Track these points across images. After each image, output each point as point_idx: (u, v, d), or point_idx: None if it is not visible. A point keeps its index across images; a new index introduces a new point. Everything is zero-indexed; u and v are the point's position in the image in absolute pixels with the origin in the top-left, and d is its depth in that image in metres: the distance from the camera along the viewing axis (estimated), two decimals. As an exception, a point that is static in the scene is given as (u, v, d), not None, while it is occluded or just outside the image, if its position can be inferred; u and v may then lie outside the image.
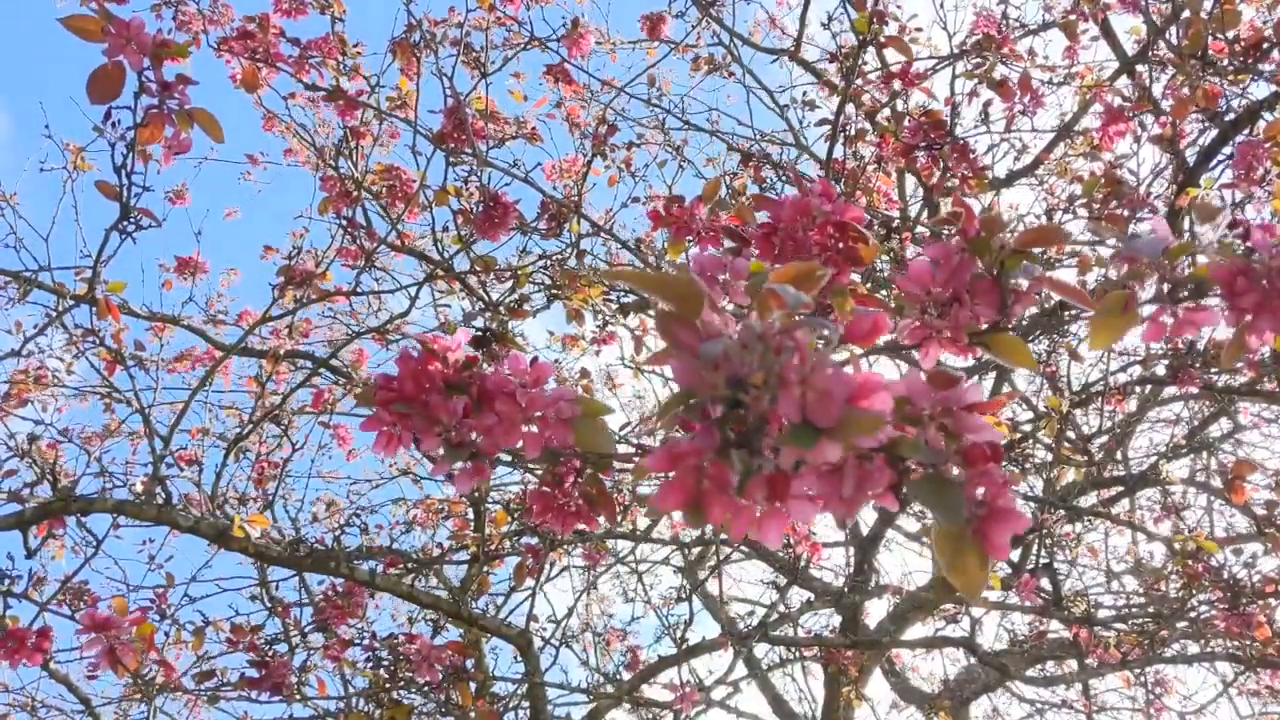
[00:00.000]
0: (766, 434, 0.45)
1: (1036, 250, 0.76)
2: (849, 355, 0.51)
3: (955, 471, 0.49)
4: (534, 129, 2.31)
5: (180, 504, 1.97)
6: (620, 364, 2.98)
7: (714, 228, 1.42)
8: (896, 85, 2.14)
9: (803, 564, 2.26)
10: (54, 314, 2.06)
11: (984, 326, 0.68)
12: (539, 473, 0.81)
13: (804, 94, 2.67)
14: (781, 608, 2.58)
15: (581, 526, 0.85)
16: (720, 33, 2.74)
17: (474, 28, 2.03)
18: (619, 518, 2.68)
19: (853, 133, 2.36)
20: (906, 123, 2.02)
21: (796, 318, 0.48)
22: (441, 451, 0.72)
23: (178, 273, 2.51)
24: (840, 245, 0.88)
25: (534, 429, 0.67)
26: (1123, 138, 2.17)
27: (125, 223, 1.29)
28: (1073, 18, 2.62)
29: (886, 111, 2.54)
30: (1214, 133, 2.19)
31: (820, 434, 0.44)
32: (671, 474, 0.46)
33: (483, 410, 0.69)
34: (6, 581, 1.41)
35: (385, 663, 2.04)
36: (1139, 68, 2.58)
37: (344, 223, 2.14)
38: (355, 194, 2.13)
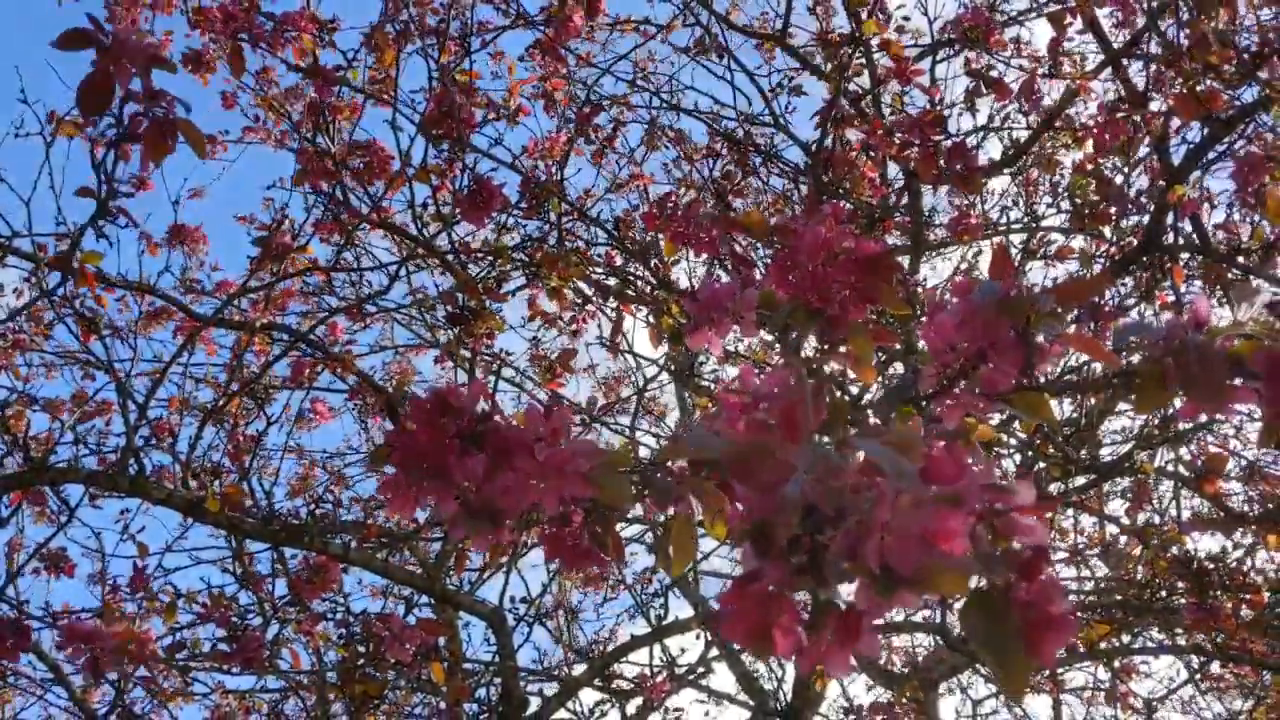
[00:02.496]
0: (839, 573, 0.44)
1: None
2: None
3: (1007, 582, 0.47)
4: (519, 107, 2.30)
5: (154, 475, 1.97)
6: (599, 344, 2.97)
7: (710, 235, 1.42)
8: (892, 81, 2.14)
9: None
10: (37, 284, 2.05)
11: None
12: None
13: (789, 79, 2.65)
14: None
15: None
16: (701, 14, 2.73)
17: (460, 7, 2.01)
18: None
19: (840, 118, 2.36)
20: (900, 116, 2.03)
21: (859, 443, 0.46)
22: (460, 516, 0.71)
23: (169, 244, 2.49)
24: (858, 283, 0.87)
25: (551, 484, 0.66)
26: (1118, 139, 2.17)
27: (102, 220, 1.28)
28: (1060, 8, 2.62)
29: (873, 97, 2.54)
30: (1203, 131, 2.19)
31: (900, 583, 0.43)
32: (739, 607, 0.46)
33: (500, 468, 0.67)
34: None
35: (358, 638, 2.05)
36: (1124, 61, 2.58)
37: (323, 197, 2.12)
38: (334, 169, 2.12)
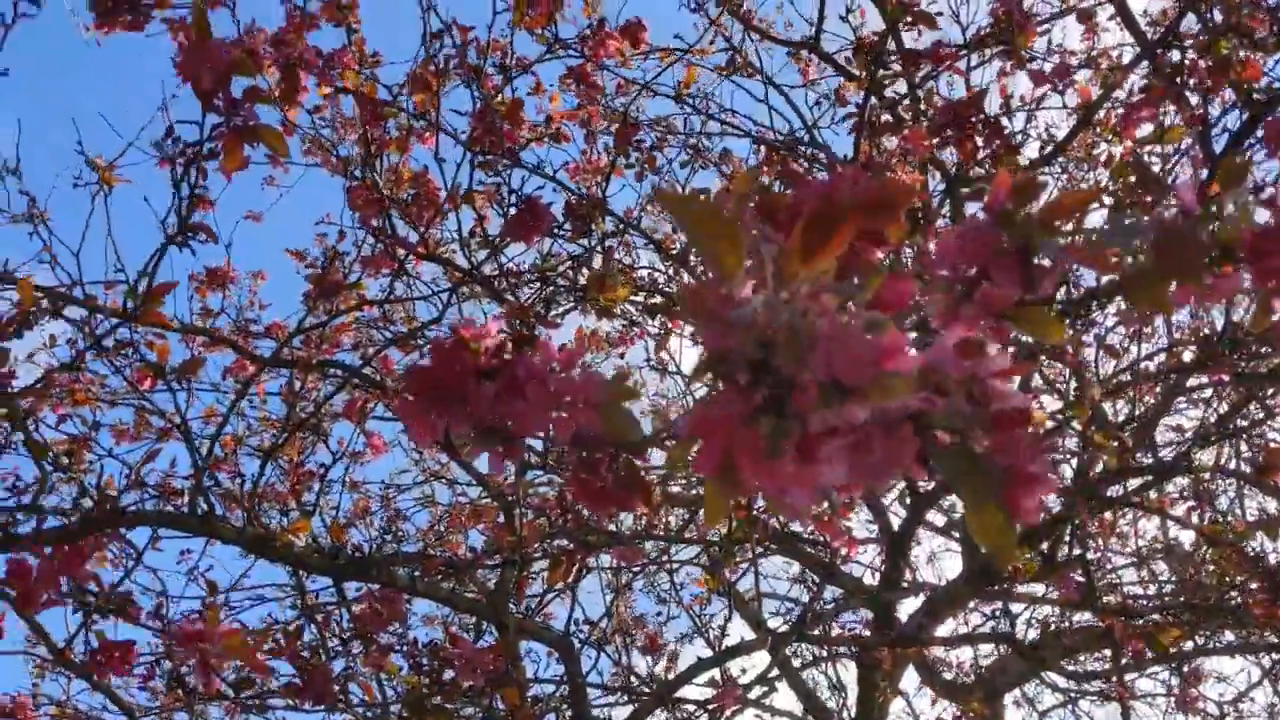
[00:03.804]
0: (795, 397, 0.46)
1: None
2: (877, 320, 0.51)
3: (984, 441, 0.49)
4: (560, 130, 2.31)
5: (223, 514, 1.98)
6: (646, 365, 2.98)
7: (744, 223, 1.41)
8: (925, 67, 2.13)
9: (839, 560, 2.26)
10: (97, 330, 2.08)
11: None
12: (572, 460, 0.83)
13: (834, 90, 2.66)
14: (817, 606, 2.58)
15: (618, 513, 0.86)
16: (734, 31, 2.74)
17: (495, 43, 2.04)
18: (651, 516, 2.69)
19: (877, 124, 2.36)
20: (936, 101, 2.02)
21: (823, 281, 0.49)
22: (473, 436, 0.74)
23: (209, 284, 2.53)
24: (866, 224, 0.88)
25: (564, 414, 0.69)
26: (1145, 125, 2.16)
27: (182, 237, 1.30)
28: (1090, 4, 2.62)
29: (909, 101, 2.54)
30: (1243, 115, 2.17)
31: (848, 395, 0.44)
32: (704, 439, 0.48)
33: (512, 394, 0.70)
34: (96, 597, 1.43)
35: (426, 668, 2.05)
36: (1159, 51, 2.57)
37: (374, 232, 2.14)
38: (385, 202, 2.14)
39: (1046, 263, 0.60)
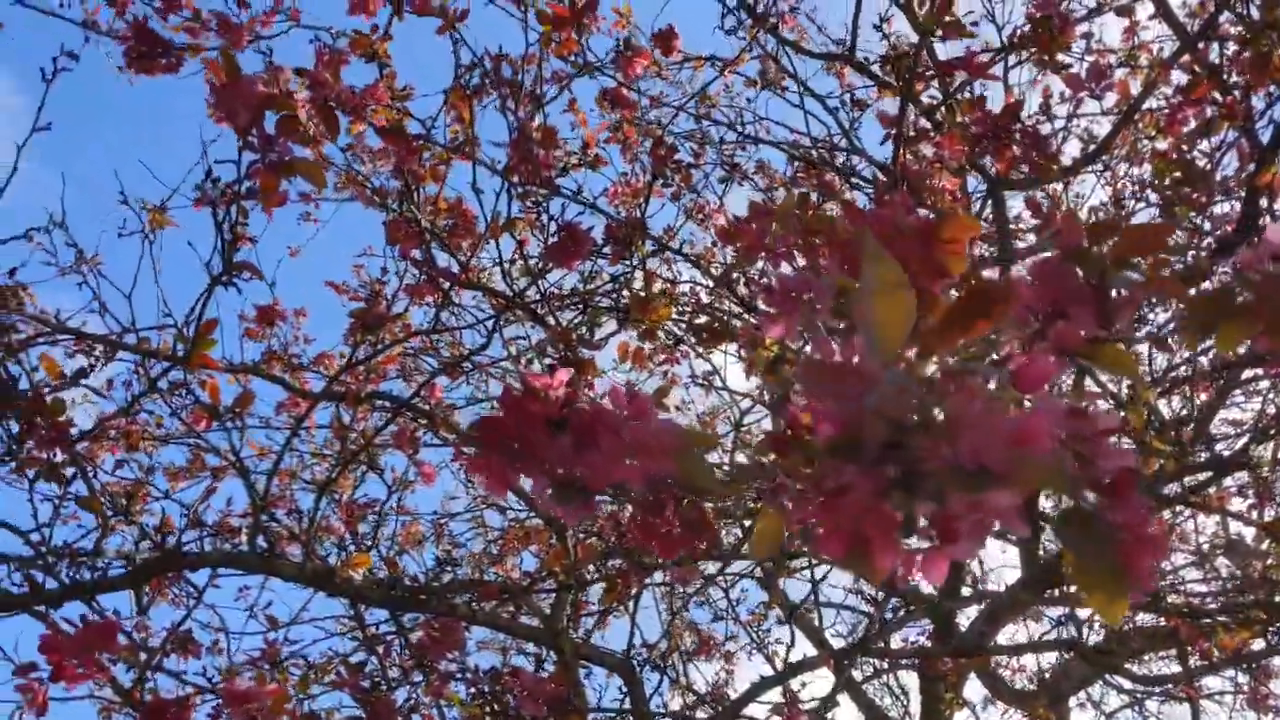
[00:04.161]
0: (932, 478, 0.45)
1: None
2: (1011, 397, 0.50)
3: (1091, 499, 0.49)
4: (597, 155, 2.32)
5: (281, 552, 2.00)
6: (691, 383, 2.98)
7: (785, 243, 1.41)
8: (959, 76, 2.11)
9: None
10: (152, 374, 2.11)
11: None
12: (637, 500, 0.82)
13: (851, 95, 2.65)
14: (875, 619, 2.55)
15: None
16: (768, 43, 2.74)
17: (527, 63, 2.05)
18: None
19: (912, 133, 2.34)
20: (973, 111, 2.01)
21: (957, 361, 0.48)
22: (550, 490, 0.74)
23: (259, 322, 2.56)
24: (929, 255, 0.87)
25: (637, 462, 0.68)
26: (1190, 121, 2.12)
27: (228, 276, 1.32)
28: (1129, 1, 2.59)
29: (945, 109, 2.52)
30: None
31: (992, 480, 0.43)
32: (829, 519, 0.47)
33: (586, 446, 0.70)
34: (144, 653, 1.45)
35: (488, 695, 2.06)
36: (1200, 45, 2.53)
37: (416, 263, 2.16)
38: (424, 234, 2.15)
39: (1122, 298, 0.59)
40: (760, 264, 1.54)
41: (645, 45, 2.40)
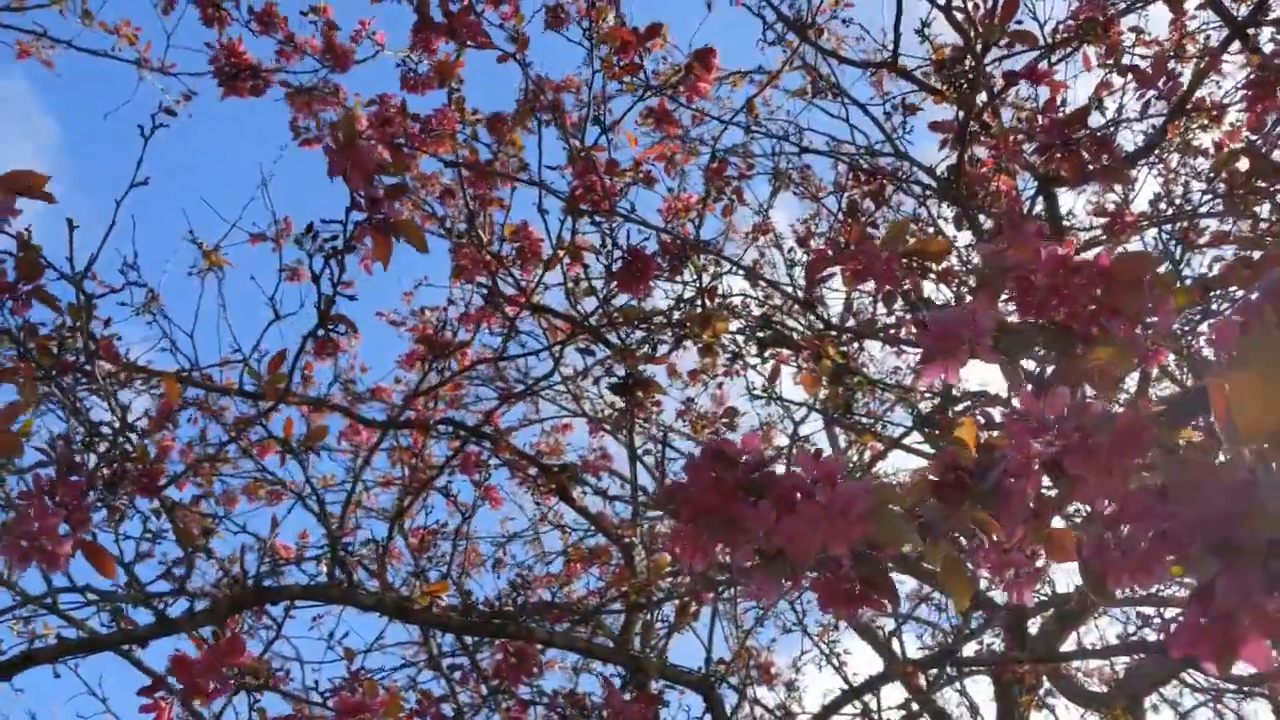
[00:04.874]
0: None
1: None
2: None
3: None
4: (649, 174, 2.33)
5: (358, 583, 2.02)
6: (748, 396, 2.97)
7: (892, 267, 1.40)
8: (1018, 86, 2.11)
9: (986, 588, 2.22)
10: (227, 413, 2.14)
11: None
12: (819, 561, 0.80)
13: (903, 102, 2.65)
14: (957, 630, 2.53)
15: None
16: (809, 53, 2.74)
17: (590, 90, 2.06)
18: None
19: (968, 136, 2.33)
20: (1036, 119, 2.00)
21: None
22: (755, 563, 0.72)
23: (317, 354, 2.58)
24: (1106, 295, 0.86)
25: (837, 526, 0.67)
26: (1270, 111, 2.09)
27: (326, 329, 1.34)
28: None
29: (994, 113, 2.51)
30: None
31: None
32: (1217, 620, 0.46)
33: (784, 514, 0.69)
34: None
35: (567, 718, 2.06)
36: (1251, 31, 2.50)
37: (483, 290, 2.18)
38: (490, 261, 2.17)
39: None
40: (865, 292, 1.53)
41: (682, 62, 2.42)
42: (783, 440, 3.49)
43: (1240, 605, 0.44)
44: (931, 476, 0.78)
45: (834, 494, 0.66)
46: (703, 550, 0.73)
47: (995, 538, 0.73)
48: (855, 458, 3.13)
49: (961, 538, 0.77)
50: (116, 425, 1.55)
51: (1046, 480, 0.69)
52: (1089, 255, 0.89)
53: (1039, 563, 0.76)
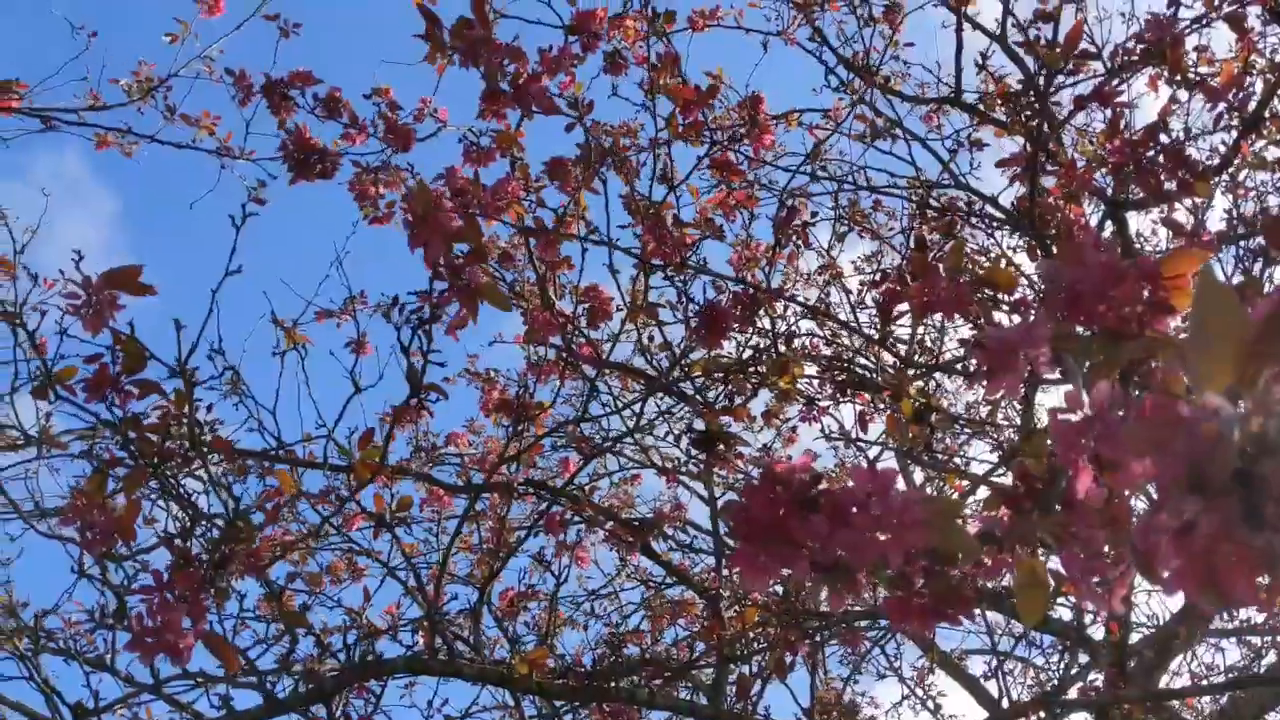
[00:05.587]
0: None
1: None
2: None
3: None
4: (718, 226, 2.34)
5: (458, 652, 2.02)
6: (824, 437, 2.95)
7: (959, 296, 1.39)
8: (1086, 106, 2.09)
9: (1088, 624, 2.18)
10: (294, 489, 2.17)
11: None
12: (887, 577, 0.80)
13: (968, 137, 2.64)
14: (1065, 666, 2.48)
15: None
16: (868, 92, 2.75)
17: (656, 145, 2.08)
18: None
19: (1038, 165, 2.32)
20: (1107, 142, 1.98)
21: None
22: (814, 576, 0.73)
23: (396, 422, 2.61)
24: (1155, 297, 0.85)
25: (894, 535, 0.67)
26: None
27: (418, 400, 1.35)
28: (1237, 7, 2.54)
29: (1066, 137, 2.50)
30: None
31: None
32: (1181, 558, 0.47)
33: (840, 527, 0.69)
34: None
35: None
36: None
37: (556, 349, 2.19)
38: (563, 322, 2.19)
39: None
40: (931, 322, 1.53)
41: (734, 104, 2.43)
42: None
43: (1212, 541, 0.45)
44: (1002, 489, 0.77)
45: (888, 504, 0.66)
46: (762, 570, 0.73)
47: (1073, 545, 0.73)
48: (936, 495, 3.10)
49: (1034, 549, 0.77)
50: (224, 510, 1.58)
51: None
52: (1134, 258, 0.89)
53: (1124, 567, 0.75)
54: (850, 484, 0.70)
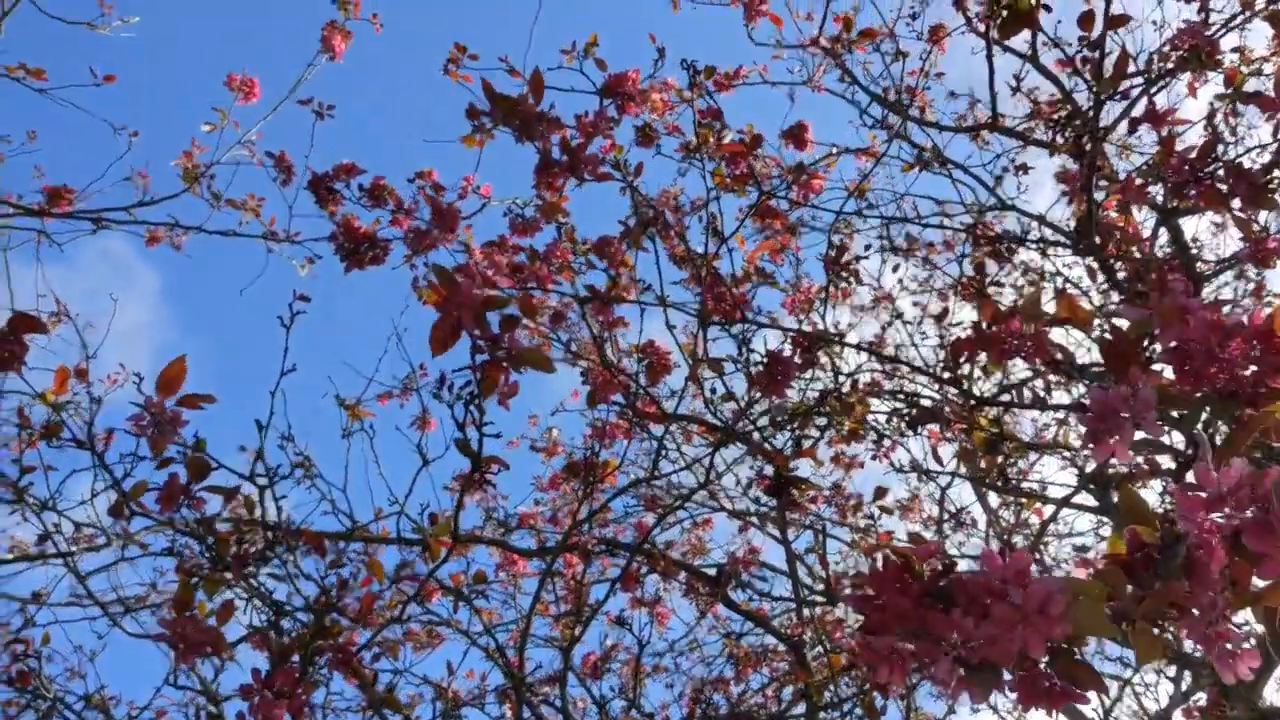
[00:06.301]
0: None
1: None
2: None
3: None
4: (770, 274, 2.34)
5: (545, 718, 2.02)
6: (894, 470, 2.92)
7: (1042, 343, 1.37)
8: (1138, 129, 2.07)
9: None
10: (372, 569, 2.18)
11: None
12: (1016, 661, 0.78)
13: (1013, 161, 2.62)
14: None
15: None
16: (905, 128, 2.74)
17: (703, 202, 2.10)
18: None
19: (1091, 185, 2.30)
20: (1168, 159, 1.95)
21: None
22: (959, 674, 0.71)
23: (463, 490, 2.62)
24: (1267, 355, 0.84)
25: (1034, 626, 0.65)
26: None
27: (480, 475, 1.36)
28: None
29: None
30: None
31: None
32: None
33: (979, 618, 0.67)
34: None
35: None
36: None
37: (618, 407, 2.20)
38: (624, 381, 2.19)
39: None
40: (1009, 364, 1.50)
41: (775, 145, 2.44)
42: (932, 510, 3.41)
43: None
44: (1118, 559, 0.75)
45: (1028, 594, 0.65)
46: (899, 666, 0.71)
47: (1196, 613, 0.71)
48: (1012, 521, 3.05)
49: (1159, 620, 0.75)
50: (308, 602, 1.59)
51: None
52: (1239, 315, 0.87)
53: (1248, 630, 0.73)
54: (983, 571, 0.69)
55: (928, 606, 0.71)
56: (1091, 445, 0.92)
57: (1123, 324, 0.99)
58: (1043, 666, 0.74)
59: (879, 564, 0.73)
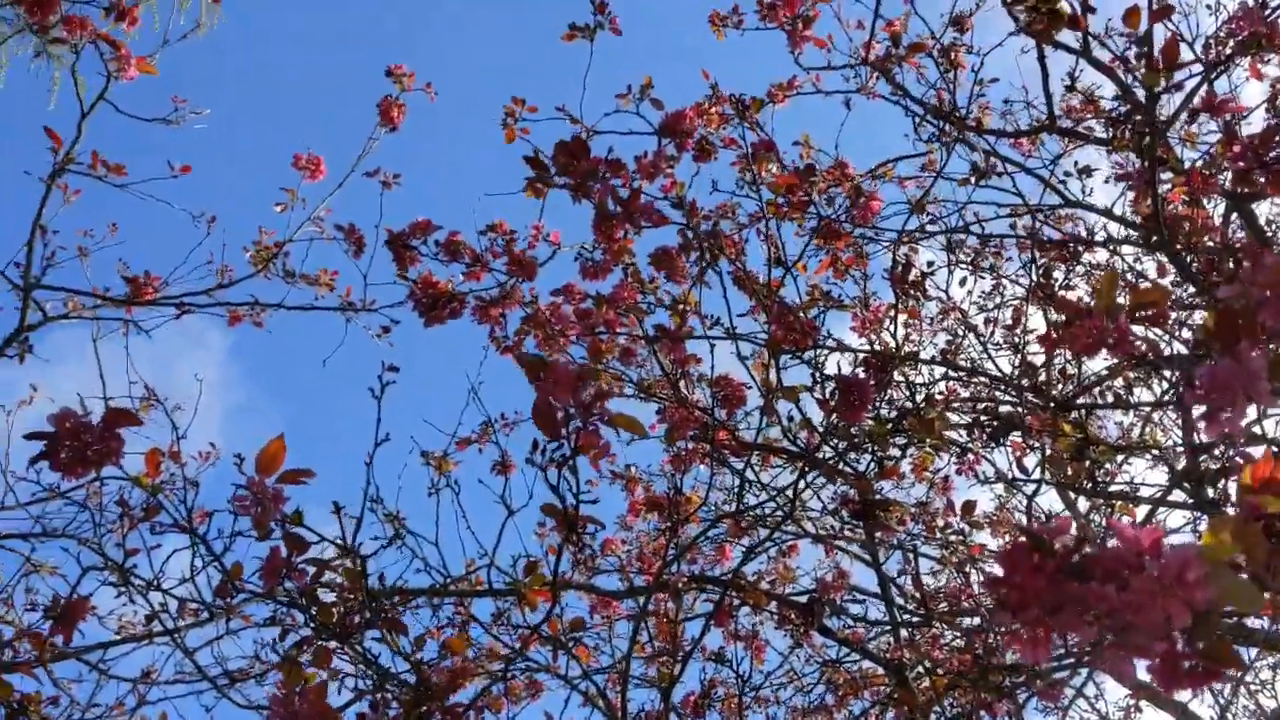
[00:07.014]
0: None
1: None
2: None
3: None
4: (836, 298, 2.34)
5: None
6: (979, 482, 2.88)
7: (1125, 332, 1.35)
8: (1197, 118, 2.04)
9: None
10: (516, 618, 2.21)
11: None
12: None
13: (1076, 164, 2.59)
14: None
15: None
16: (962, 137, 2.73)
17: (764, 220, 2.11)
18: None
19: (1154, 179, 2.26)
20: (1231, 149, 1.92)
21: None
22: (1107, 643, 0.70)
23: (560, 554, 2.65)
24: None
25: (1175, 595, 0.64)
26: None
27: (576, 536, 1.38)
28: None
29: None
30: None
31: None
32: None
33: (1119, 588, 0.66)
34: None
35: None
36: None
37: (700, 442, 2.21)
38: (700, 416, 2.20)
39: None
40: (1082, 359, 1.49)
41: (825, 167, 2.44)
42: (1020, 519, 3.35)
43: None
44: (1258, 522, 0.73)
45: (1165, 564, 0.64)
46: (1043, 641, 0.71)
47: None
48: (1103, 526, 2.98)
49: None
50: (410, 665, 1.62)
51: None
52: None
53: None
54: (1118, 545, 0.68)
55: (1064, 582, 0.70)
56: (1204, 423, 0.91)
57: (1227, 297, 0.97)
58: (1180, 646, 0.72)
59: (1009, 545, 0.72)
